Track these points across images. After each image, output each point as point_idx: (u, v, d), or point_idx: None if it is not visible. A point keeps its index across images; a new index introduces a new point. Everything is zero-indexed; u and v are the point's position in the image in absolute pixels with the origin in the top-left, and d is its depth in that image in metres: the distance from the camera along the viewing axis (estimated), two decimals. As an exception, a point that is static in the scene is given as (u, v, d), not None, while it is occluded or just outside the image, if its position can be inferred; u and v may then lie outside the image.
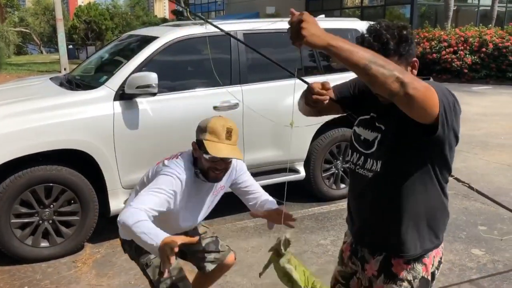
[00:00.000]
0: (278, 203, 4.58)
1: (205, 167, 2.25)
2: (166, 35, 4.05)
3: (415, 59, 1.67)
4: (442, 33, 15.90)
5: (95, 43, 31.12)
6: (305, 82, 1.78)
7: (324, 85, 1.69)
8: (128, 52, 4.48)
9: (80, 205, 3.69)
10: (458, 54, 14.85)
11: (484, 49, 14.55)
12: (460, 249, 3.83)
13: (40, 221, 3.60)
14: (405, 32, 1.63)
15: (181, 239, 1.82)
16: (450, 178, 1.82)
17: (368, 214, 1.83)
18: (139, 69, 3.83)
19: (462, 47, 14.92)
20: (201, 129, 2.23)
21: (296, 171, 4.57)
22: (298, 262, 2.01)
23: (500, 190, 5.18)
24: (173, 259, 1.77)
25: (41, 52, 39.11)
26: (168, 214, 2.24)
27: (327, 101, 1.69)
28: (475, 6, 24.60)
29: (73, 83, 4.23)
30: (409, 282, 1.76)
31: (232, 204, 4.65)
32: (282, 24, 4.88)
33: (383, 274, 1.79)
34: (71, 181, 3.62)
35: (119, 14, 35.10)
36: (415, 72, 1.67)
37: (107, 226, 4.11)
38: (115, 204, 3.79)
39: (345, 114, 1.98)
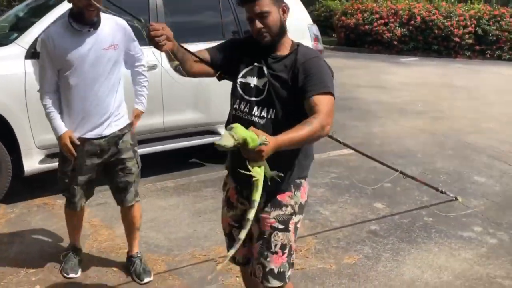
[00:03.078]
0: (197, 165, 4.74)
1: (80, 7, 2.48)
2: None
3: (284, 4, 1.96)
4: (375, 5, 16.36)
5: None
6: (139, 22, 1.99)
7: (161, 25, 1.85)
8: (43, 10, 4.34)
9: (-9, 165, 3.63)
10: (388, 26, 15.37)
11: (412, 22, 15.14)
12: (364, 203, 4.15)
13: (-52, 181, 3.53)
14: None
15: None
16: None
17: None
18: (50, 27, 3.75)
19: (393, 19, 15.46)
20: None
21: (216, 133, 4.70)
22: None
23: (409, 152, 5.59)
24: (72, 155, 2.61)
25: (-37, 13, 36.33)
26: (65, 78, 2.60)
27: (165, 43, 1.83)
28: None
29: (-17, 41, 4.07)
30: (292, 206, 2.03)
31: (153, 165, 4.75)
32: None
33: (269, 203, 2.02)
34: (-19, 140, 3.55)
35: (49, -25, 33.17)
36: (286, 15, 1.97)
37: (23, 186, 4.10)
38: (29, 164, 3.76)
39: (219, 80, 2.12)
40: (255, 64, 1.99)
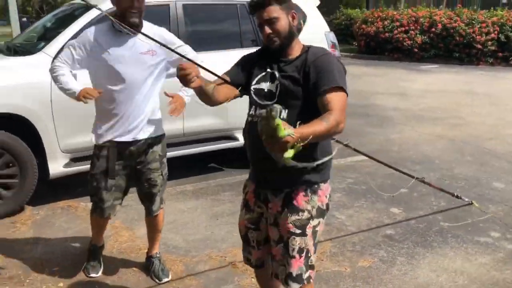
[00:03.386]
0: (216, 169, 4.83)
1: (122, 9, 2.55)
2: (104, 3, 4.13)
3: (293, 11, 2.05)
4: (395, 13, 16.34)
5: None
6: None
7: (190, 65, 1.92)
8: (69, 20, 4.52)
9: (18, 168, 3.79)
10: (409, 34, 15.34)
11: (433, 29, 15.08)
12: (380, 208, 4.18)
13: (-22, 184, 3.70)
14: None
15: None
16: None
17: (269, 161, 2.01)
18: (76, 36, 3.90)
19: (413, 27, 15.42)
20: None
21: (234, 139, 4.79)
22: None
23: (426, 158, 5.58)
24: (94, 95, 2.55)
25: (-7, 25, 37.46)
26: (99, 74, 2.65)
27: (194, 80, 1.90)
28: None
29: (12, 50, 4.27)
30: (309, 211, 2.08)
31: (173, 170, 4.86)
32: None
33: (286, 208, 2.08)
34: (9, 144, 3.71)
35: (75, -14, 33.99)
36: (295, 21, 2.05)
37: (48, 189, 4.25)
38: (54, 167, 3.91)
39: (241, 97, 2.20)
40: (268, 70, 2.08)
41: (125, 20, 2.55)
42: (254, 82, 2.12)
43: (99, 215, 2.90)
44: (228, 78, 2.12)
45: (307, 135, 1.72)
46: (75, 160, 3.99)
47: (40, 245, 3.47)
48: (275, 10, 1.97)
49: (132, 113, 2.71)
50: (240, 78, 2.15)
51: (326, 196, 2.14)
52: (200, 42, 4.63)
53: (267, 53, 2.10)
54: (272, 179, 2.11)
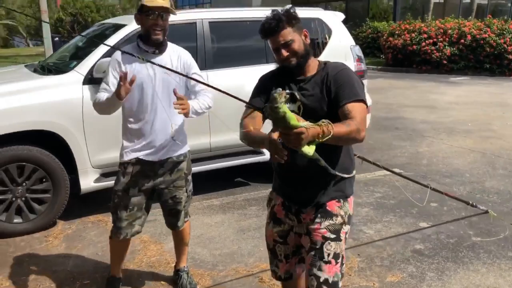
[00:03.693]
0: (242, 184, 4.87)
1: (146, 28, 2.62)
2: (134, 23, 4.25)
3: (305, 30, 2.11)
4: (422, 25, 16.19)
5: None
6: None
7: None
8: (100, 39, 4.67)
9: (51, 184, 3.90)
10: (437, 46, 15.15)
11: (462, 41, 14.85)
12: (409, 222, 4.11)
13: (14, 198, 3.82)
14: (292, 11, 2.06)
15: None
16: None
17: (301, 177, 2.11)
18: (107, 54, 4.03)
19: (442, 39, 15.22)
20: None
21: (261, 153, 4.82)
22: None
23: (457, 171, 5.47)
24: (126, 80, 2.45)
25: (28, 45, 38.88)
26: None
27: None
28: (458, -1, 24.92)
29: (46, 69, 4.43)
30: (342, 216, 2.11)
31: (200, 184, 4.92)
32: (249, 13, 5.12)
33: (319, 215, 2.10)
34: (42, 160, 3.83)
35: (105, 6, 34.94)
36: (308, 39, 2.11)
37: (79, 204, 4.36)
38: (85, 183, 4.01)
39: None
40: (286, 91, 2.06)
41: (149, 38, 2.62)
42: None
43: (116, 235, 2.86)
44: (255, 105, 2.11)
45: (327, 131, 1.74)
46: (105, 175, 4.08)
47: (72, 258, 3.55)
48: (289, 33, 2.00)
49: (158, 132, 2.73)
50: (261, 102, 2.14)
51: (352, 206, 2.19)
52: (226, 58, 4.71)
53: (283, 74, 2.12)
54: (303, 194, 2.12)
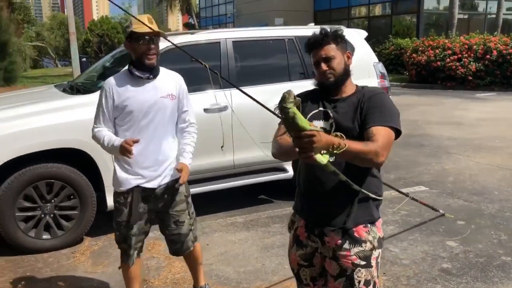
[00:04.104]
0: (266, 201, 4.85)
1: (139, 54, 2.58)
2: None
3: (349, 51, 2.11)
4: (447, 41, 16.07)
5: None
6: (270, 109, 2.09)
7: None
8: (126, 59, 4.78)
9: (79, 200, 3.98)
10: (462, 62, 15.00)
11: (488, 56, 14.68)
12: (436, 241, 4.03)
13: (42, 215, 3.91)
14: (339, 31, 2.10)
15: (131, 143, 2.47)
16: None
17: (325, 196, 2.05)
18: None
19: (466, 55, 15.07)
20: (127, 26, 2.63)
21: (284, 170, 4.82)
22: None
23: (484, 189, 5.36)
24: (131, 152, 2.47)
25: (56, 65, 40.07)
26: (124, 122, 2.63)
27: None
28: (483, 14, 24.71)
29: (75, 89, 4.56)
30: (371, 242, 2.05)
31: (224, 201, 4.95)
32: (272, 32, 5.19)
33: (347, 241, 2.03)
34: (71, 178, 3.92)
35: (131, 27, 35.84)
36: (350, 61, 2.11)
37: (105, 220, 4.42)
38: (111, 200, 4.06)
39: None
40: (320, 108, 2.08)
41: (143, 63, 2.59)
42: (307, 119, 2.01)
43: (126, 262, 2.85)
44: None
45: (343, 143, 1.72)
46: (131, 192, 4.13)
47: (98, 274, 3.60)
48: (332, 49, 2.02)
49: (156, 158, 2.69)
50: None
51: (381, 228, 2.12)
52: (250, 76, 4.77)
53: (317, 93, 2.12)
54: (327, 216, 2.06)
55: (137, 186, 2.70)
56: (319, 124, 2.04)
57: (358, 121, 1.98)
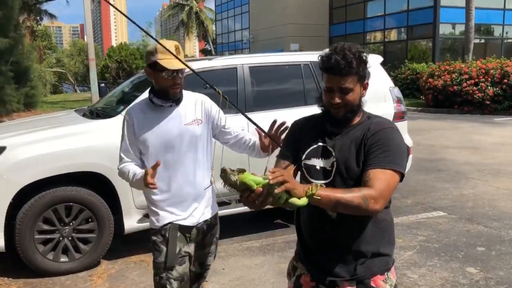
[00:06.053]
0: (282, 225, 4.82)
1: (164, 87, 2.37)
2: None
3: (367, 81, 1.85)
4: (463, 65, 16.04)
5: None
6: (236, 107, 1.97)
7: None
8: (145, 85, 4.88)
9: (97, 224, 4.02)
10: (479, 86, 14.92)
11: (506, 81, 14.60)
12: (455, 267, 3.96)
13: (61, 238, 3.95)
14: (364, 55, 1.80)
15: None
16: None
17: (334, 244, 1.86)
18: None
19: (483, 79, 15.00)
20: (151, 52, 2.35)
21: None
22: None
23: (504, 214, 5.27)
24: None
25: (75, 91, 40.90)
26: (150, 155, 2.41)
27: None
28: (499, 39, 24.69)
29: (94, 113, 4.66)
30: None
31: (240, 226, 4.95)
32: (288, 58, 5.25)
33: None
34: (89, 201, 3.97)
35: (149, 53, 36.55)
36: (365, 92, 1.86)
37: (122, 244, 4.45)
38: (129, 223, 4.11)
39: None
40: (319, 143, 1.87)
41: (167, 94, 2.39)
42: (304, 157, 1.89)
43: None
44: (290, 154, 1.92)
45: (321, 191, 1.57)
46: (147, 215, 4.16)
47: (114, 298, 3.61)
48: (352, 81, 1.76)
49: (185, 190, 2.45)
50: (294, 151, 1.92)
51: (395, 273, 1.94)
52: (266, 101, 4.81)
53: (318, 122, 1.90)
54: (339, 264, 1.84)
55: (173, 224, 2.43)
56: (318, 162, 1.85)
57: (361, 159, 1.77)
